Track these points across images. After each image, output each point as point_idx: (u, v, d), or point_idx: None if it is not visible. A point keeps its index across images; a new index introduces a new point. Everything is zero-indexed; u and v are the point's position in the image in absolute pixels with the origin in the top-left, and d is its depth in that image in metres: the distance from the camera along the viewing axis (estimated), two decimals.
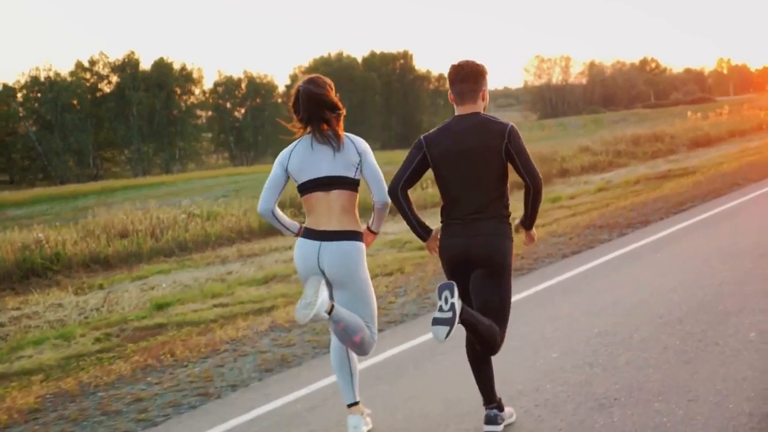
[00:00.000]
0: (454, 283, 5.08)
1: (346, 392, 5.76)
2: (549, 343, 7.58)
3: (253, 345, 8.61)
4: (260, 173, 53.86)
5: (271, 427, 6.26)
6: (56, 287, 16.73)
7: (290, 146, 5.70)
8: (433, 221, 5.75)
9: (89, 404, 7.22)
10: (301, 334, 8.88)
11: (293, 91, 5.63)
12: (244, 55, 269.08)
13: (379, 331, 8.70)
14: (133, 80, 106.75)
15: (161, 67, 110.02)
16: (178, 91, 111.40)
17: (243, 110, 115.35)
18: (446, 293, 5.04)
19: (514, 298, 9.38)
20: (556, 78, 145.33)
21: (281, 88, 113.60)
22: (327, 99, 5.57)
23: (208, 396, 7.14)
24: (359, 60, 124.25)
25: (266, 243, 19.83)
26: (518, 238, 5.60)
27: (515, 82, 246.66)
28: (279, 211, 5.68)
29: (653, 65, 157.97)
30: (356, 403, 5.75)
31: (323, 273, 5.49)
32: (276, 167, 5.66)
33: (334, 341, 5.78)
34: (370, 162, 5.63)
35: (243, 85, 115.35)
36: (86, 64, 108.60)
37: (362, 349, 5.58)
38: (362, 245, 5.58)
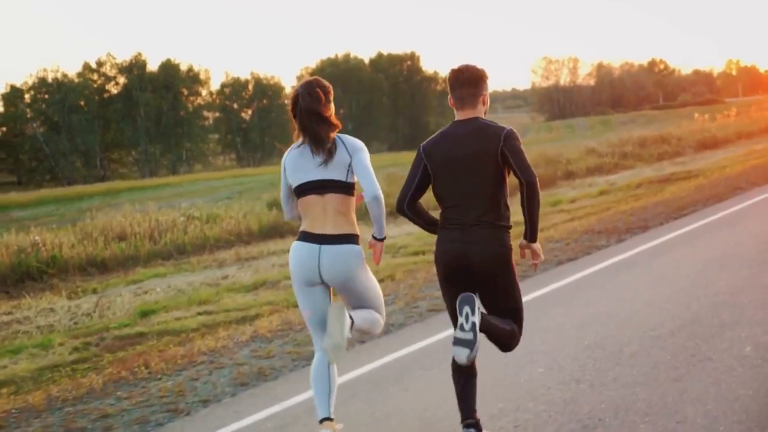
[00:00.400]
0: (474, 296, 4.98)
1: (320, 406, 5.49)
2: (535, 357, 7.26)
3: (231, 356, 8.31)
4: (266, 174, 53.78)
5: None
6: (51, 291, 16.44)
7: (289, 149, 5.65)
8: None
9: (54, 420, 6.92)
10: (282, 345, 8.60)
11: (291, 95, 5.60)
12: (251, 57, 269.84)
13: (361, 342, 8.46)
14: (141, 81, 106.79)
15: (168, 68, 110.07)
16: (185, 92, 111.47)
17: (250, 111, 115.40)
18: (467, 309, 4.93)
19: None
20: (564, 79, 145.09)
21: (288, 90, 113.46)
22: (321, 114, 5.48)
23: (178, 413, 6.84)
24: (366, 61, 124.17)
25: (265, 246, 19.53)
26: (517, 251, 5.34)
27: (523, 84, 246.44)
28: (296, 212, 5.72)
29: (662, 66, 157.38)
30: (329, 419, 5.46)
31: (321, 277, 5.41)
32: (282, 173, 5.66)
33: (319, 356, 5.58)
34: (360, 158, 5.48)
35: (250, 87, 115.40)
36: (93, 66, 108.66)
37: (374, 333, 5.87)
38: (359, 248, 5.48)
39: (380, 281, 11.49)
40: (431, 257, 13.36)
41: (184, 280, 15.74)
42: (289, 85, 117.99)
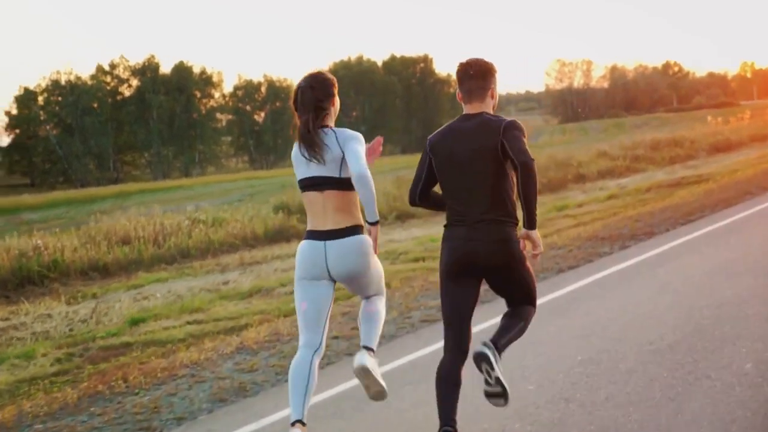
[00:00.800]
0: (487, 351, 5.08)
1: (295, 407, 5.27)
2: (526, 372, 6.94)
3: (214, 370, 7.99)
4: (278, 177, 53.60)
5: None
6: (52, 296, 16.21)
7: (296, 143, 5.60)
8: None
9: None
10: (268, 357, 8.28)
11: (294, 90, 5.58)
12: (264, 59, 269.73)
13: (351, 355, 8.15)
14: (154, 84, 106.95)
15: (181, 70, 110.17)
16: (198, 94, 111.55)
17: (263, 114, 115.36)
18: (485, 367, 5.10)
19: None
20: (578, 82, 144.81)
21: None
22: (319, 107, 5.51)
23: (150, 431, 6.54)
24: (379, 63, 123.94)
25: (270, 250, 19.27)
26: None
27: (536, 86, 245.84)
28: None
29: (676, 69, 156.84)
30: (302, 423, 5.21)
31: (329, 272, 5.39)
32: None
33: (302, 354, 5.48)
34: (350, 146, 5.36)
35: (263, 89, 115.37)
36: (107, 68, 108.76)
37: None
38: (364, 237, 5.41)
39: None
40: (431, 264, 13.12)
41: (185, 285, 15.50)
42: None
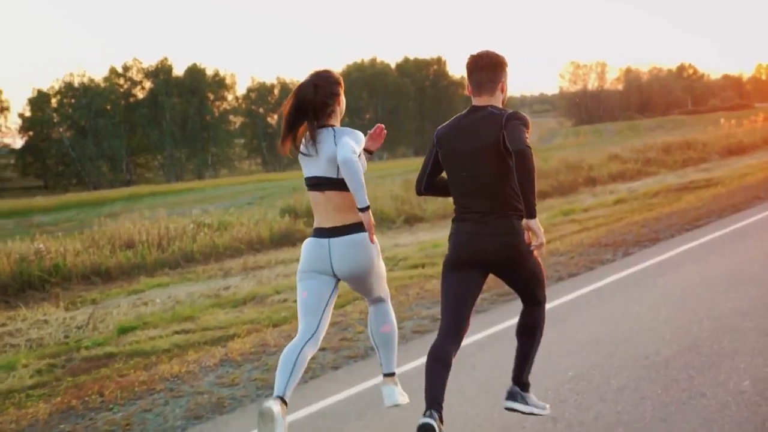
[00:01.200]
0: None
1: (278, 385, 5.23)
2: None
3: (193, 384, 7.71)
4: (290, 179, 53.40)
5: None
6: (52, 301, 15.99)
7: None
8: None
9: None
10: (251, 370, 7.99)
11: (297, 87, 5.55)
12: (277, 61, 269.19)
13: (337, 368, 7.88)
14: (167, 86, 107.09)
15: (194, 72, 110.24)
16: (211, 96, 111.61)
17: (276, 116, 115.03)
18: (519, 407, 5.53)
19: (492, 330, 8.57)
20: (592, 84, 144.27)
21: None
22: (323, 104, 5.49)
23: None
24: (393, 66, 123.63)
25: (275, 255, 19.02)
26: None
27: (551, 88, 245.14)
28: None
29: (691, 71, 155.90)
30: (283, 401, 5.11)
31: (333, 270, 5.39)
32: None
33: (296, 341, 5.44)
34: (341, 139, 5.32)
35: (276, 91, 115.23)
36: (120, 70, 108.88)
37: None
38: (368, 235, 5.34)
39: None
40: (429, 271, 12.85)
41: (186, 290, 15.28)
42: None
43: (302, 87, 5.46)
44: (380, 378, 7.28)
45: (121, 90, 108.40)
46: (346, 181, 5.14)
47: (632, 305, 9.10)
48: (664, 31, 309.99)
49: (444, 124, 5.38)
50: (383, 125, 5.94)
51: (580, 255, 12.57)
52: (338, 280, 5.50)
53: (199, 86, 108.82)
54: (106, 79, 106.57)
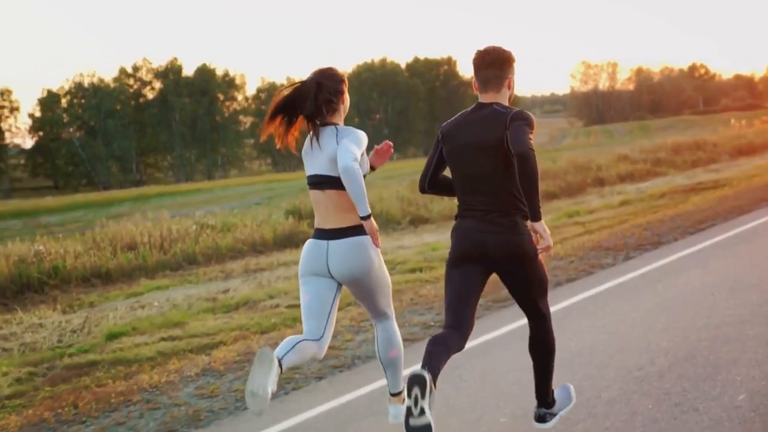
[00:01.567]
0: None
1: (279, 349, 5.07)
2: (502, 401, 6.38)
3: (172, 395, 7.44)
4: (299, 180, 53.17)
5: None
6: (50, 303, 15.79)
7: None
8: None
9: None
10: (232, 381, 7.72)
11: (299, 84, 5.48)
12: (287, 62, 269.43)
13: (321, 378, 7.62)
14: (176, 86, 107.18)
15: (204, 73, 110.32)
16: (221, 97, 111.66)
17: None
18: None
19: (485, 338, 8.30)
20: (603, 84, 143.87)
21: None
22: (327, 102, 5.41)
23: None
24: (403, 66, 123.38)
25: (277, 257, 18.79)
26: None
27: (562, 88, 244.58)
28: None
29: (702, 71, 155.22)
30: (280, 364, 4.91)
31: (330, 273, 5.31)
32: None
33: (301, 336, 5.30)
34: (343, 140, 5.22)
35: None
36: (129, 70, 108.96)
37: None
38: (368, 238, 5.30)
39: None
40: (426, 275, 12.59)
41: (185, 293, 15.06)
42: None
43: (306, 84, 5.37)
44: (363, 389, 7.08)
45: (131, 90, 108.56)
46: (347, 189, 5.05)
47: (629, 312, 8.82)
48: (676, 32, 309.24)
49: (449, 120, 5.31)
50: (391, 143, 5.84)
51: (580, 259, 12.28)
52: (340, 284, 5.42)
53: (208, 86, 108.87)
54: (115, 80, 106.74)
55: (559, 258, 12.53)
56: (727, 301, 8.77)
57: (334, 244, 5.28)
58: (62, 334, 12.18)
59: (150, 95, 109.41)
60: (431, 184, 5.42)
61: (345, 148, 5.11)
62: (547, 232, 4.87)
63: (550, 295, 9.65)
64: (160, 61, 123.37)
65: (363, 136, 5.31)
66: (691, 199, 19.08)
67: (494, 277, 5.25)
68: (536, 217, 4.81)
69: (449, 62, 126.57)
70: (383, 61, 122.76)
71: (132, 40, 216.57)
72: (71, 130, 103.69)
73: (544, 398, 5.47)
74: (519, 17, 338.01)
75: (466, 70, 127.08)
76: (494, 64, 5.11)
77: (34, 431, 6.82)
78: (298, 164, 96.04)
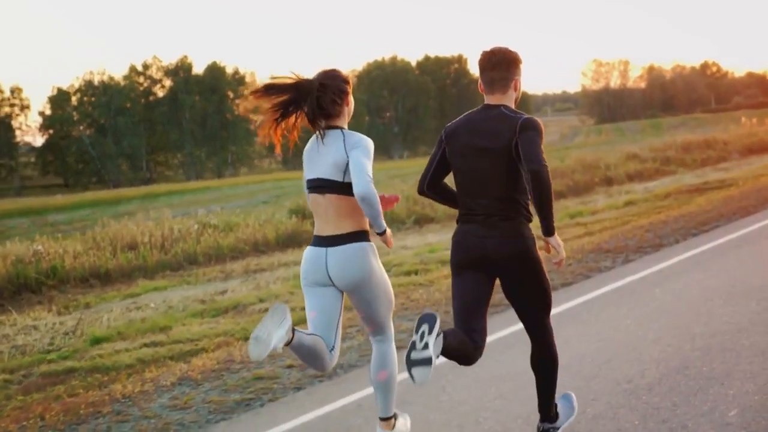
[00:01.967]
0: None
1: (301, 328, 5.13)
2: (483, 414, 6.10)
3: (144, 406, 7.15)
4: None
5: None
6: (48, 304, 15.56)
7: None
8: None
9: None
10: (208, 391, 7.44)
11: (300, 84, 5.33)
12: (297, 59, 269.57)
13: (299, 389, 7.34)
14: (186, 84, 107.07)
15: (214, 71, 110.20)
16: (231, 95, 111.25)
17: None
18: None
19: None
20: (615, 82, 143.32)
21: None
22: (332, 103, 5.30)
23: None
24: (413, 64, 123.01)
25: (279, 257, 18.53)
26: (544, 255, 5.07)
27: (573, 86, 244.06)
28: None
29: (714, 69, 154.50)
30: (288, 341, 4.88)
31: (330, 279, 5.19)
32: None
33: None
34: (354, 155, 5.12)
35: None
36: (140, 68, 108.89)
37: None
38: (368, 244, 5.23)
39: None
40: (420, 278, 12.29)
41: (182, 294, 14.82)
42: None
43: (308, 81, 5.27)
44: (341, 401, 6.80)
45: (141, 88, 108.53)
46: (366, 213, 5.05)
47: (623, 319, 8.51)
48: (688, 28, 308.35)
49: (454, 121, 5.21)
50: (399, 197, 5.76)
51: (578, 262, 11.97)
52: (342, 291, 5.33)
53: (219, 84, 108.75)
54: (126, 77, 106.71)
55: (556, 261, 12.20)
56: (725, 308, 8.47)
57: (333, 251, 5.17)
58: (54, 336, 11.95)
59: (160, 93, 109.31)
60: (431, 185, 5.29)
61: (360, 167, 5.02)
62: (560, 245, 4.86)
63: None
64: (170, 59, 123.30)
65: (371, 146, 5.21)
66: (695, 199, 18.72)
67: None
68: (549, 232, 4.81)
69: (460, 60, 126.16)
70: (394, 59, 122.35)
71: (142, 38, 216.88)
72: (81, 128, 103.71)
73: (548, 413, 5.30)
74: (530, 17, 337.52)
75: (476, 68, 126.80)
76: (500, 65, 5.03)
77: None
78: None
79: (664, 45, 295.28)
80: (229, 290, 14.56)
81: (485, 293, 5.04)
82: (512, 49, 5.11)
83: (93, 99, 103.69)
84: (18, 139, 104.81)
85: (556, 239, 4.85)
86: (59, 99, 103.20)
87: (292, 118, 5.37)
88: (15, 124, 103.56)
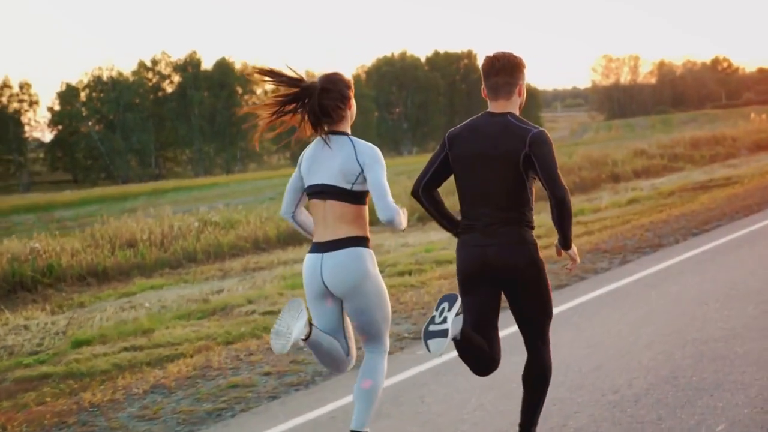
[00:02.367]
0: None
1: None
2: (461, 428, 5.82)
3: (111, 416, 6.87)
4: None
5: None
6: (42, 303, 15.36)
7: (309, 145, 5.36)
8: None
9: None
10: (180, 399, 7.17)
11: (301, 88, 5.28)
12: (306, 55, 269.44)
13: (274, 398, 7.07)
14: (195, 80, 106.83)
15: (223, 66, 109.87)
16: (240, 90, 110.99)
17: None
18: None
19: (453, 354, 7.66)
20: (625, 78, 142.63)
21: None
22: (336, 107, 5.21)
23: None
24: (423, 60, 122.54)
25: (279, 255, 18.34)
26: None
27: (583, 82, 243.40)
28: (303, 217, 5.40)
29: (725, 64, 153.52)
30: (306, 338, 4.98)
31: (326, 287, 5.09)
32: (297, 167, 5.37)
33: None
34: (372, 175, 5.05)
35: None
36: (148, 64, 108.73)
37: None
38: (364, 250, 5.11)
39: None
40: (412, 279, 12.02)
41: (178, 293, 14.64)
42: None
43: (310, 87, 5.18)
44: (315, 412, 6.52)
45: (150, 84, 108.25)
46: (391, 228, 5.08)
47: (614, 324, 8.22)
48: (699, 23, 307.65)
49: (457, 126, 5.14)
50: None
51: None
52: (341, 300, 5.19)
53: (227, 80, 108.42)
54: (134, 73, 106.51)
55: (552, 262, 11.91)
56: (720, 312, 8.18)
57: (328, 256, 5.08)
58: (44, 337, 11.79)
59: (169, 89, 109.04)
60: (426, 188, 5.15)
61: (383, 191, 4.99)
62: (576, 255, 5.05)
63: None
64: (179, 55, 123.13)
65: (382, 157, 5.16)
66: (699, 197, 18.41)
67: None
68: (567, 246, 4.94)
69: (469, 56, 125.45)
70: (403, 55, 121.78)
71: (151, 34, 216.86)
72: (90, 123, 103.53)
73: (529, 429, 5.13)
74: (539, 15, 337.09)
75: None
76: (504, 70, 4.95)
77: None
78: None
79: (675, 41, 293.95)
80: (225, 289, 14.39)
81: (493, 309, 5.00)
82: (516, 53, 5.02)
83: (102, 95, 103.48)
84: (27, 134, 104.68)
85: (574, 250, 4.98)
86: (68, 95, 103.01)
87: (288, 117, 5.32)
88: (24, 119, 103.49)
